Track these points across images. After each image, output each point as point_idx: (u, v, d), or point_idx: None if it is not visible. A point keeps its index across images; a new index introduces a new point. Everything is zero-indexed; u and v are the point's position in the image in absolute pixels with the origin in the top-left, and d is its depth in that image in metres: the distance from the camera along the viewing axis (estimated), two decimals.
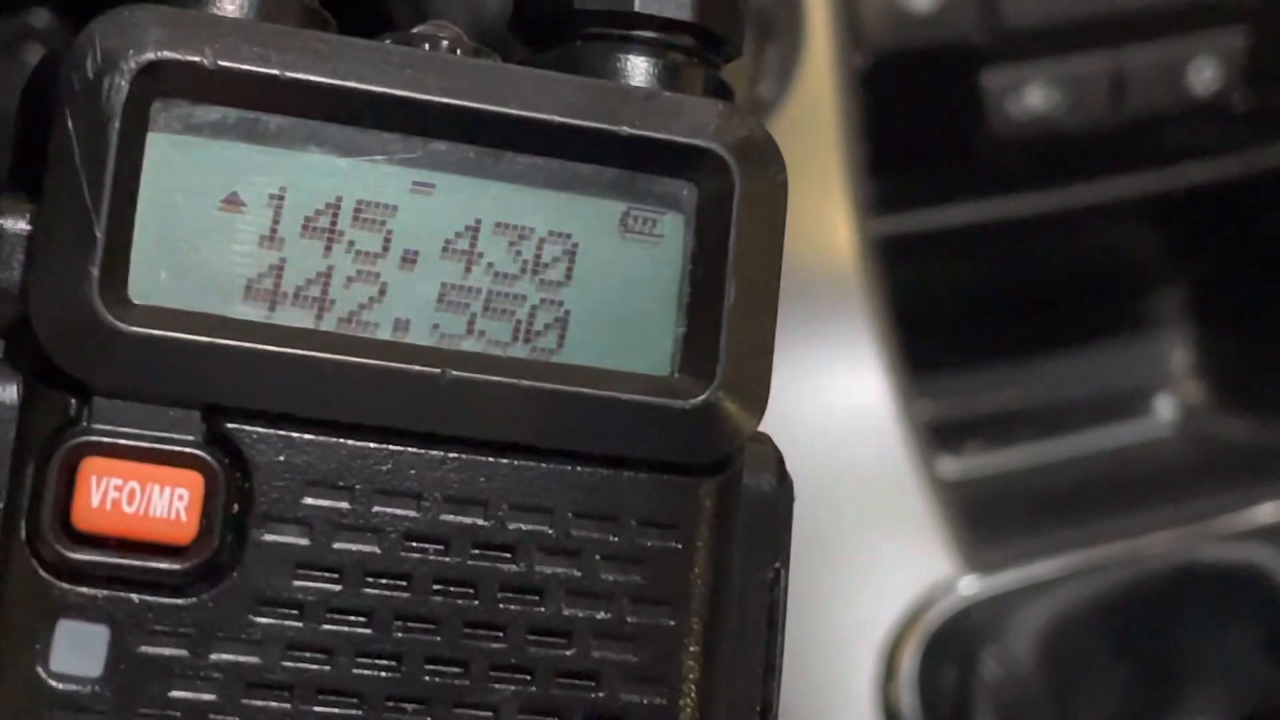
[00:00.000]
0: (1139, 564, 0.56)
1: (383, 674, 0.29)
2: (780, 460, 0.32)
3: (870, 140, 0.56)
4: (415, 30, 0.31)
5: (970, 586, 0.53)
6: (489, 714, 0.29)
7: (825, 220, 0.56)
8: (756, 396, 0.30)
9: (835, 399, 0.54)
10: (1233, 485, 0.60)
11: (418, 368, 0.29)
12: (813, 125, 0.55)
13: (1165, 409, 0.65)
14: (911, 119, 0.58)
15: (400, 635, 0.29)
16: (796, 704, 0.51)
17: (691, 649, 0.30)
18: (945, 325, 0.61)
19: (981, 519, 0.56)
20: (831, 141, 0.56)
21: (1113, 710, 0.55)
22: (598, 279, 0.30)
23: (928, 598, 0.53)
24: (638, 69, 0.31)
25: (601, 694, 0.30)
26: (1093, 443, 0.63)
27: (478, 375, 0.29)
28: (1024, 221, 0.60)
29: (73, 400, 0.28)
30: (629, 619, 0.30)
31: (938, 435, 0.59)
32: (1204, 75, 0.58)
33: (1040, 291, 0.64)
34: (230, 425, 0.29)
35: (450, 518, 0.29)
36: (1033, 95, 0.57)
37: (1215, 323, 0.65)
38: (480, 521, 0.29)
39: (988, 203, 0.59)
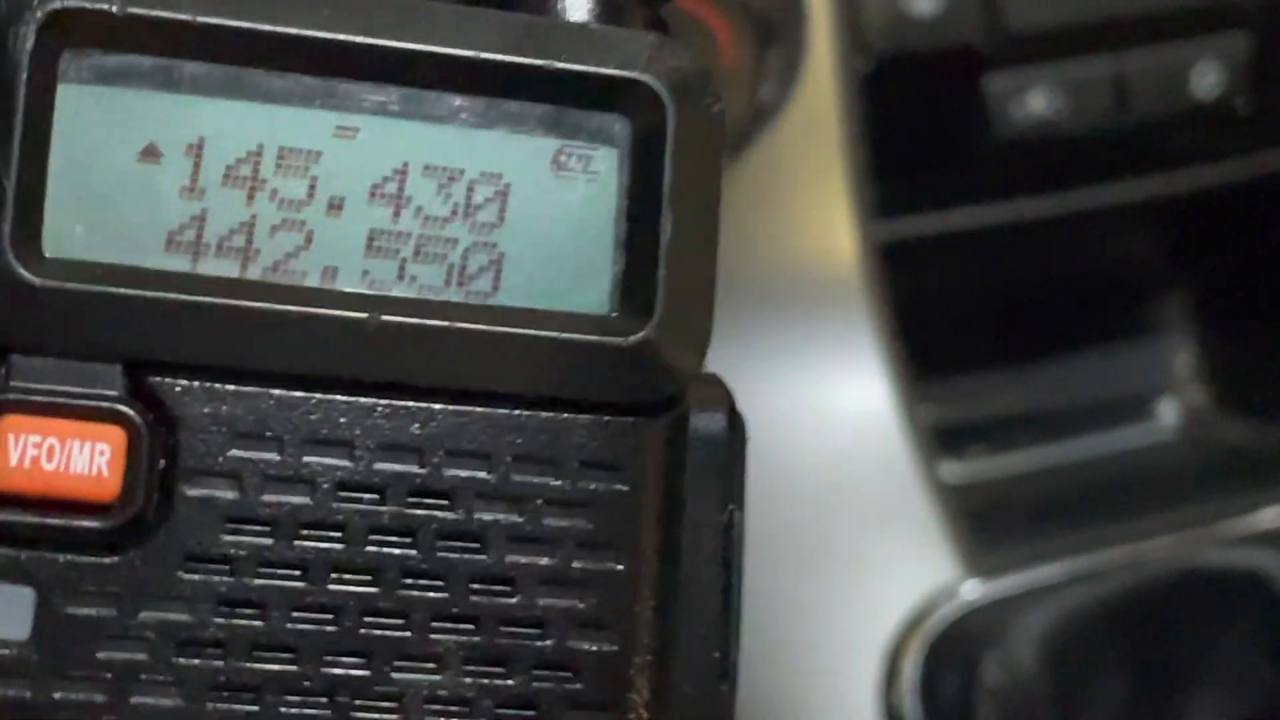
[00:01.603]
0: (1141, 568, 0.56)
1: (320, 628, 0.28)
2: (731, 401, 0.31)
3: (872, 145, 0.56)
4: None
5: (973, 591, 0.53)
6: (432, 665, 0.29)
7: (827, 224, 0.56)
8: (698, 334, 0.30)
9: (837, 403, 0.54)
10: (1236, 490, 0.60)
11: (345, 313, 0.28)
12: (815, 129, 0.55)
13: (1168, 413, 0.65)
14: (914, 123, 0.58)
15: (336, 587, 0.28)
16: (799, 708, 0.51)
17: (643, 595, 0.29)
18: (948, 329, 0.61)
19: (984, 523, 0.56)
20: (834, 146, 0.56)
21: (1115, 715, 0.55)
22: (531, 219, 0.30)
23: (930, 602, 0.53)
24: (576, 6, 0.30)
25: (549, 642, 0.29)
26: (1095, 447, 0.63)
27: (408, 319, 0.28)
28: (1026, 226, 0.60)
29: None
30: (575, 565, 0.29)
31: (940, 439, 0.59)
32: (1207, 80, 0.58)
33: (1043, 296, 0.64)
34: (153, 379, 0.28)
35: (384, 466, 0.29)
36: (1035, 99, 0.57)
37: (1218, 327, 0.65)
38: (416, 469, 0.29)
39: (990, 207, 0.59)
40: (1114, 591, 0.56)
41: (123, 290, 0.27)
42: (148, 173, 0.28)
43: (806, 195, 0.56)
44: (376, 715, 0.28)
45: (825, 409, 0.54)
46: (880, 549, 0.53)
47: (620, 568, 0.29)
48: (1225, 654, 0.56)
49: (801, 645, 0.51)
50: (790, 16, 0.53)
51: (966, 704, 0.53)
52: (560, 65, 0.29)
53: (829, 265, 0.56)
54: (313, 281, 0.29)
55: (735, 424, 0.31)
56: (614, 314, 0.30)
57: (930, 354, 0.58)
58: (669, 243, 0.29)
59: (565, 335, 0.29)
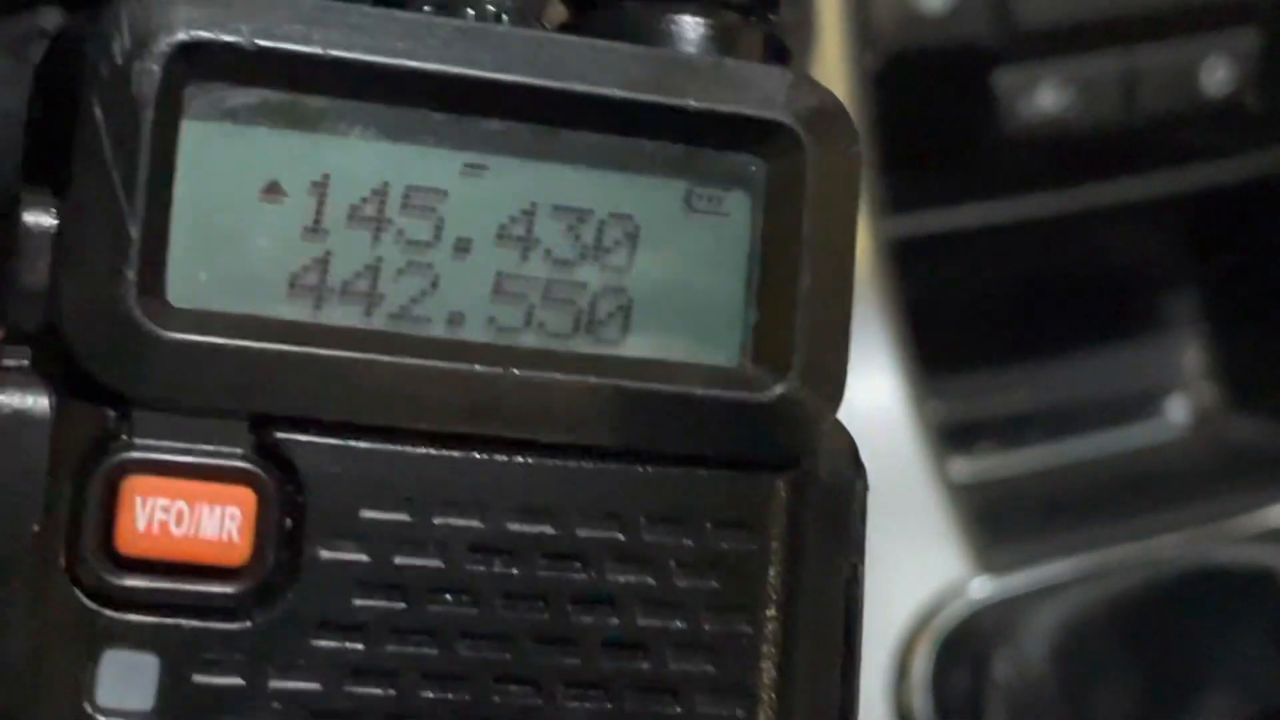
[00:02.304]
0: (1151, 566, 0.56)
1: (451, 694, 0.27)
2: (855, 449, 0.30)
3: (882, 141, 0.56)
4: None
5: (982, 588, 0.53)
6: None
7: None
8: (834, 385, 0.29)
9: (847, 399, 0.54)
10: (1246, 487, 0.59)
11: (478, 367, 0.27)
12: None
13: (1178, 411, 0.65)
14: (923, 120, 0.57)
15: (468, 653, 0.27)
16: None
17: (770, 656, 0.28)
18: (958, 326, 0.61)
19: (994, 520, 0.56)
20: None
21: (1125, 712, 0.55)
22: (662, 263, 0.28)
23: (940, 599, 0.53)
24: (689, 30, 0.29)
25: (679, 708, 0.28)
26: (1105, 444, 0.63)
27: (539, 374, 0.27)
28: (1036, 222, 0.60)
29: (110, 413, 0.26)
30: (706, 627, 0.28)
31: (950, 436, 0.58)
32: (1216, 76, 0.58)
33: (1052, 293, 0.64)
34: (280, 435, 0.27)
35: (516, 527, 0.27)
36: (1045, 96, 0.57)
37: (1228, 324, 0.65)
38: (548, 530, 0.27)
39: (1000, 204, 0.59)
40: (1123, 589, 0.55)
41: (248, 343, 0.26)
42: (270, 212, 0.27)
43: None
44: None
45: None
46: (890, 546, 0.53)
47: (749, 629, 0.28)
48: (1235, 650, 0.56)
49: None
50: (800, 13, 0.53)
51: (976, 701, 0.52)
52: (697, 105, 0.28)
53: None
54: (438, 328, 0.27)
55: (859, 473, 0.30)
56: (748, 365, 0.28)
57: (940, 351, 0.58)
58: (807, 291, 0.28)
59: (699, 390, 0.28)
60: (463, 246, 0.28)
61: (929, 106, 0.57)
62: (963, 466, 0.60)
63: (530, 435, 0.27)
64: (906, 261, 0.57)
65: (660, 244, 0.28)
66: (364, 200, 0.27)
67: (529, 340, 0.28)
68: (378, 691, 0.27)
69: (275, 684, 0.26)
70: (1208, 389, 0.65)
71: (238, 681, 0.26)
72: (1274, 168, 0.62)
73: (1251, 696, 0.56)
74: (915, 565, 0.53)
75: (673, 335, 0.28)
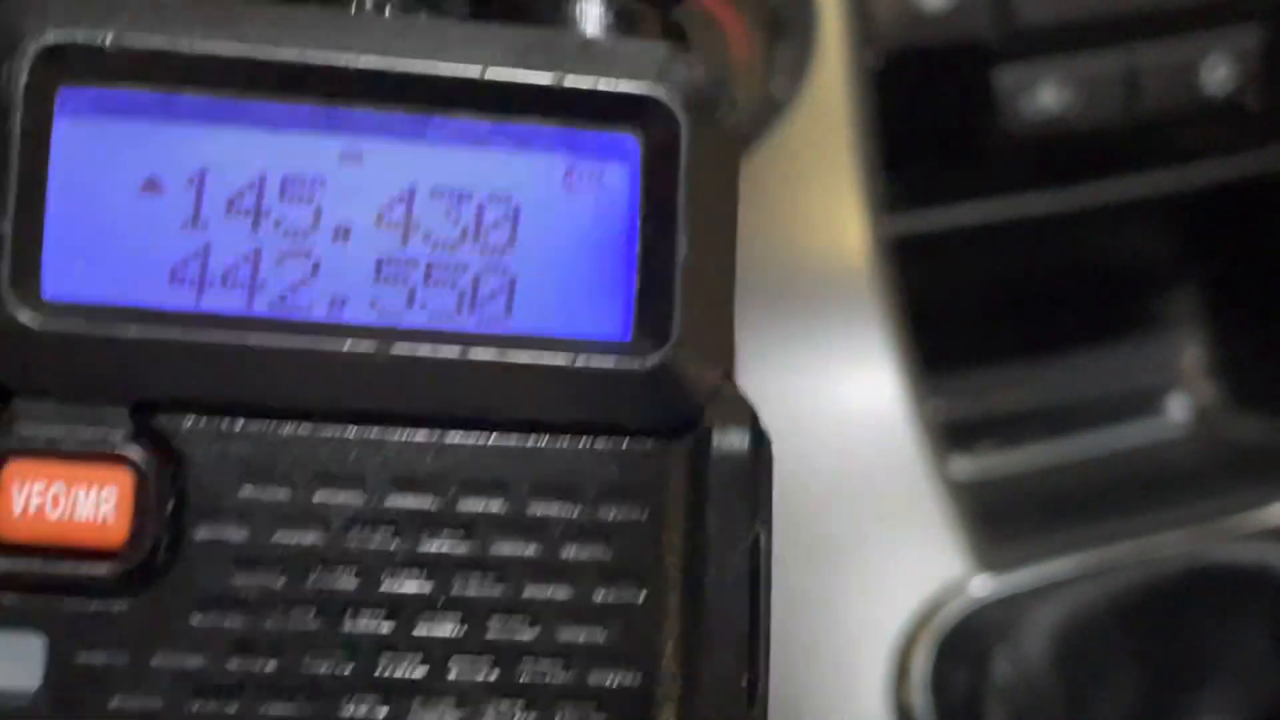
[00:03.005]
0: (1151, 564, 0.56)
1: (336, 668, 0.28)
2: (754, 415, 0.30)
3: (882, 139, 0.56)
4: None
5: (982, 586, 0.53)
6: (452, 699, 0.28)
7: (837, 219, 0.56)
8: (718, 353, 0.29)
9: (847, 398, 0.54)
10: (1246, 485, 0.59)
11: (358, 347, 0.28)
12: (825, 124, 0.55)
13: (1178, 409, 0.65)
14: (924, 118, 0.57)
15: (352, 626, 0.28)
16: (808, 705, 0.51)
17: (665, 625, 0.29)
18: (958, 324, 0.61)
19: (993, 519, 0.56)
20: (843, 140, 0.56)
21: (1125, 710, 0.55)
22: (544, 240, 0.29)
23: (939, 598, 0.53)
24: (587, 14, 0.30)
25: (570, 676, 0.28)
26: (1105, 442, 0.63)
27: (418, 349, 0.28)
28: (1036, 220, 0.60)
29: None
30: (596, 597, 0.29)
31: (950, 435, 0.58)
32: (1217, 74, 0.58)
33: (1053, 291, 0.64)
34: (159, 418, 0.27)
35: (398, 500, 0.28)
36: (1045, 94, 0.57)
37: (1228, 322, 0.65)
38: (430, 503, 0.28)
39: (1000, 202, 0.59)
40: (1124, 587, 0.55)
41: (125, 333, 0.27)
42: (149, 207, 0.27)
43: (816, 190, 0.56)
44: None
45: (834, 404, 0.54)
46: (890, 544, 0.53)
47: (642, 598, 0.29)
48: (1235, 649, 0.56)
49: (811, 641, 0.51)
50: (800, 11, 0.53)
51: (976, 699, 0.52)
52: (568, 82, 0.28)
53: (838, 260, 0.56)
54: (320, 312, 0.28)
55: (759, 440, 0.30)
56: (630, 337, 0.29)
57: (940, 349, 0.58)
58: (685, 262, 0.28)
59: (580, 361, 0.28)
60: (342, 233, 0.28)
61: (929, 104, 0.57)
62: (963, 465, 0.60)
63: (409, 410, 0.28)
64: (906, 259, 0.57)
65: (541, 221, 0.29)
66: (242, 191, 0.28)
67: (412, 321, 0.28)
68: (261, 666, 0.27)
69: (158, 661, 0.27)
70: (1208, 387, 0.65)
71: (123, 659, 0.27)
72: (1275, 166, 0.62)
73: (1252, 694, 0.56)
74: (915, 563, 0.53)
75: (557, 311, 0.29)
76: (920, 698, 0.51)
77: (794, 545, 0.51)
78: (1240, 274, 0.65)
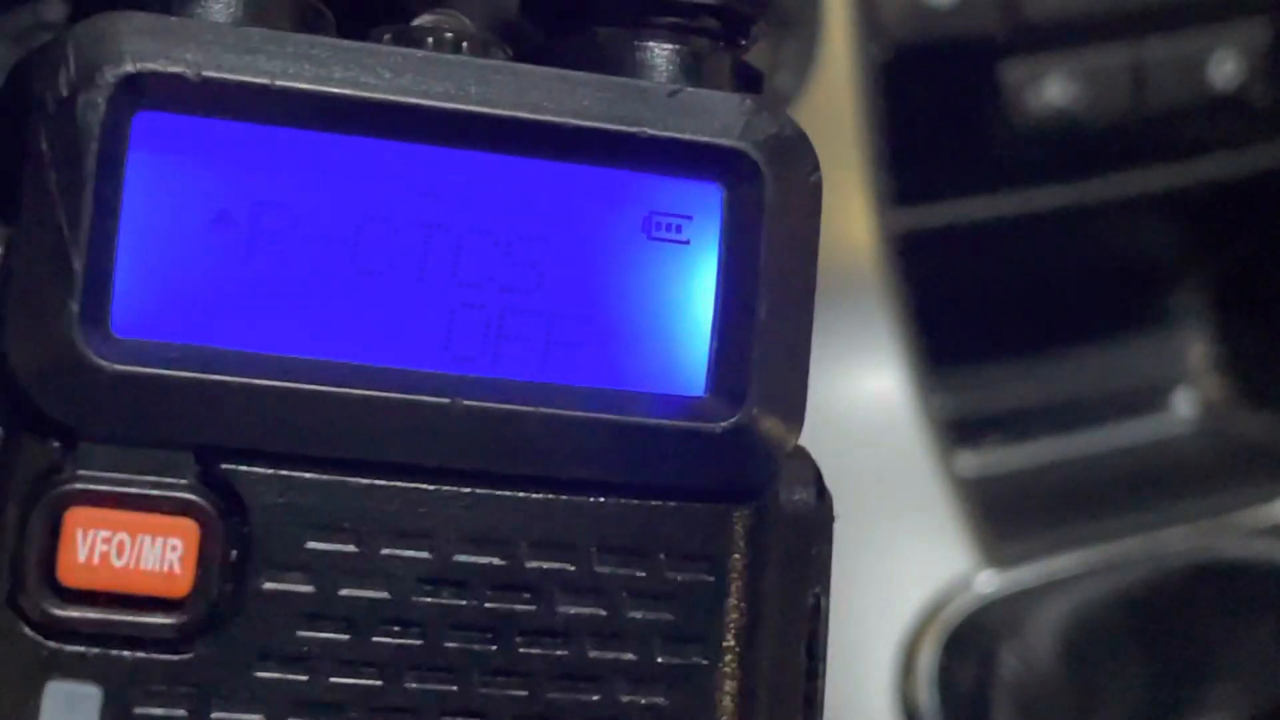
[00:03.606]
0: (1158, 560, 0.56)
1: None
2: (819, 475, 0.30)
3: (889, 134, 0.56)
4: (416, 23, 0.29)
5: (989, 582, 0.53)
6: None
7: (844, 214, 0.56)
8: (793, 414, 0.29)
9: (853, 394, 0.54)
10: (1252, 481, 0.59)
11: (425, 398, 0.27)
12: (831, 119, 0.55)
13: (1184, 404, 0.64)
14: (930, 112, 0.57)
15: (414, 686, 0.27)
16: None
17: (727, 688, 0.28)
18: (964, 320, 0.61)
19: (1000, 514, 0.56)
20: (850, 135, 0.56)
21: (1132, 706, 0.55)
22: (622, 292, 0.28)
23: (946, 594, 0.52)
24: (660, 56, 0.29)
25: None
26: (1112, 438, 0.63)
27: (491, 404, 0.27)
28: (1043, 216, 0.60)
29: (55, 445, 0.26)
30: (659, 659, 0.28)
31: (956, 430, 0.58)
32: (1224, 69, 0.58)
33: (1059, 286, 0.63)
34: (225, 466, 0.26)
35: (465, 558, 0.27)
36: (1052, 89, 0.57)
37: (1235, 318, 0.65)
38: (497, 561, 0.27)
39: (1007, 197, 0.59)
40: (1130, 583, 0.55)
41: (195, 374, 0.26)
42: (221, 243, 0.27)
43: (823, 185, 0.55)
44: None
45: (841, 399, 0.54)
46: (896, 540, 0.53)
47: (705, 661, 0.28)
48: (1242, 645, 0.56)
49: None
50: (806, 5, 0.52)
51: (983, 695, 0.52)
52: (653, 132, 0.28)
53: (845, 254, 0.56)
54: (394, 359, 0.27)
55: (823, 501, 0.29)
56: (707, 396, 0.28)
57: (946, 344, 0.58)
58: (764, 320, 0.28)
59: (654, 420, 0.28)
60: (419, 277, 0.27)
61: (936, 99, 0.57)
62: (969, 460, 0.59)
63: (479, 465, 0.27)
64: (913, 255, 0.57)
65: (620, 271, 0.28)
66: (318, 231, 0.27)
67: (484, 371, 0.28)
68: None
69: (218, 715, 0.26)
70: (1214, 383, 0.65)
71: (180, 713, 0.26)
72: None
73: (1258, 690, 0.56)
74: (921, 559, 0.53)
75: (631, 365, 0.28)
76: (927, 693, 0.51)
77: None
78: (1247, 269, 0.65)
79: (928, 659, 0.51)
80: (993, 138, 0.57)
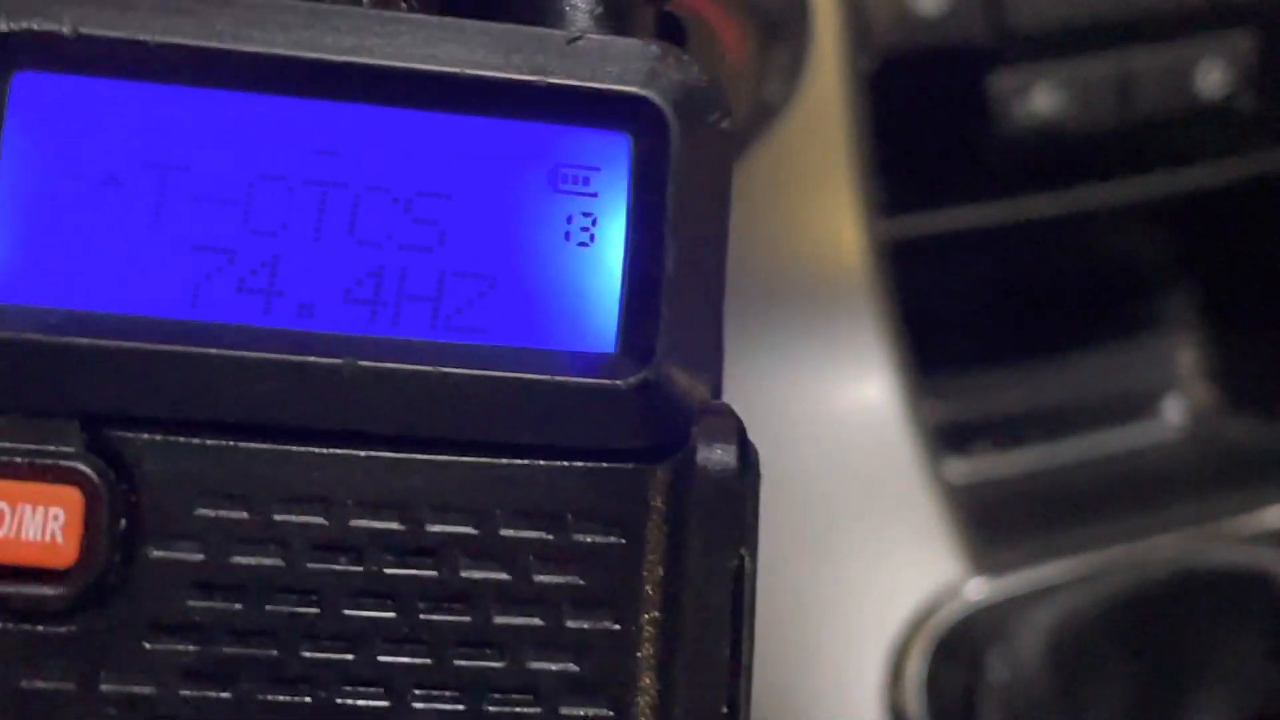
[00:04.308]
0: (1146, 567, 0.56)
1: (294, 698, 0.26)
2: (741, 432, 0.28)
3: (877, 143, 0.56)
4: None
5: (977, 589, 0.53)
6: None
7: (832, 222, 0.56)
8: (706, 369, 0.27)
9: (842, 401, 0.54)
10: (1241, 488, 0.59)
11: (319, 359, 0.26)
12: (820, 127, 0.55)
13: (1173, 411, 0.65)
14: (918, 121, 0.57)
15: (311, 656, 0.26)
16: (802, 707, 0.51)
17: (641, 654, 0.27)
18: (953, 327, 0.61)
19: (989, 521, 0.56)
20: (839, 144, 0.56)
21: (1119, 713, 0.55)
22: (525, 246, 0.27)
23: (935, 600, 0.53)
24: (578, 8, 0.28)
25: (540, 708, 0.27)
26: (1100, 445, 0.63)
27: (389, 364, 0.26)
28: (1031, 224, 0.60)
29: None
30: (569, 624, 0.27)
31: (945, 437, 0.59)
32: (1211, 78, 0.58)
33: (1048, 294, 0.64)
34: (112, 433, 0.26)
35: (362, 523, 0.26)
36: (1040, 98, 0.57)
37: (1223, 325, 0.65)
38: (396, 525, 0.26)
39: (995, 205, 0.59)
40: (1118, 590, 0.55)
41: (78, 339, 0.25)
42: (105, 204, 0.26)
43: (811, 193, 0.56)
44: None
45: (830, 407, 0.54)
46: (885, 547, 0.53)
47: (617, 626, 0.27)
48: (1230, 652, 0.56)
49: (806, 643, 0.51)
50: (795, 14, 0.53)
51: (970, 702, 0.52)
52: (554, 81, 0.27)
53: (834, 263, 0.56)
54: (285, 320, 0.26)
55: (746, 458, 0.27)
56: (616, 352, 0.27)
57: (935, 352, 0.58)
58: (672, 273, 0.27)
59: (557, 377, 0.27)
60: (311, 234, 0.27)
61: (924, 108, 0.57)
62: (958, 467, 0.60)
63: (377, 428, 0.26)
64: (902, 263, 0.57)
65: (523, 226, 0.27)
66: (206, 189, 0.26)
67: (382, 330, 0.27)
68: (215, 694, 0.26)
69: (107, 688, 0.26)
70: (1203, 390, 0.65)
71: (68, 685, 0.25)
72: (1269, 169, 0.62)
73: (1246, 697, 0.56)
74: (910, 566, 0.53)
75: (536, 322, 0.27)
76: (915, 700, 0.51)
77: (789, 548, 0.51)
78: (1235, 277, 0.65)
79: (916, 666, 0.51)
80: (981, 147, 0.57)
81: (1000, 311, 0.63)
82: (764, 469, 0.28)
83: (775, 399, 0.53)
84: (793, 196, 0.56)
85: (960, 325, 0.62)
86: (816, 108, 0.55)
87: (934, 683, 0.51)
